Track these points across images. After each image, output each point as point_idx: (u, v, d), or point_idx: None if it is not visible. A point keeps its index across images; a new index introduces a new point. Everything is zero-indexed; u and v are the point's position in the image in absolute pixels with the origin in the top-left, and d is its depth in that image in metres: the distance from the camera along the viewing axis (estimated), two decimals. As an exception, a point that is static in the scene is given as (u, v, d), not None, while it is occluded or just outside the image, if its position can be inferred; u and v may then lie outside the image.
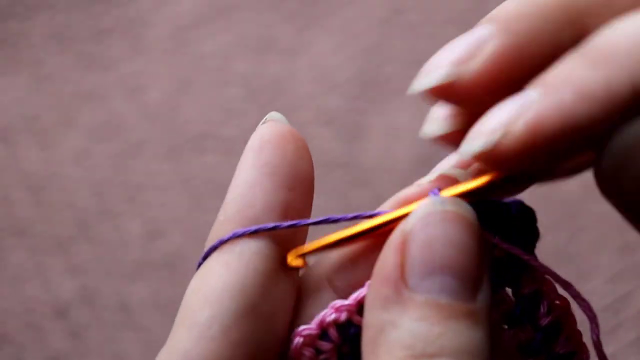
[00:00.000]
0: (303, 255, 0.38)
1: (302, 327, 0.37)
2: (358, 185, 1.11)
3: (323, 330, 0.37)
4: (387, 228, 0.37)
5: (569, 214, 1.02)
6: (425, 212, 0.35)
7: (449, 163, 0.38)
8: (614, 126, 0.32)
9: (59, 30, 1.28)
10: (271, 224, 0.37)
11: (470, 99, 0.35)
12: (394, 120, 1.16)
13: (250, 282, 0.36)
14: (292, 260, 0.38)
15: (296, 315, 0.38)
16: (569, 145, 0.33)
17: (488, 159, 0.34)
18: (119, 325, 1.08)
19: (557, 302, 0.37)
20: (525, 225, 0.37)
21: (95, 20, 1.28)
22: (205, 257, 0.37)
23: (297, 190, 0.38)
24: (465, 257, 0.34)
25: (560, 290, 0.38)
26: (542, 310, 0.37)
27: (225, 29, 1.26)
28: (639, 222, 0.33)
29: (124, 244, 1.13)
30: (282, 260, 0.38)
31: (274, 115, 0.40)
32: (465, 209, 0.35)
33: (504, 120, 0.33)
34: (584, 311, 0.37)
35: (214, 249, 0.37)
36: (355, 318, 0.36)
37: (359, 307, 0.36)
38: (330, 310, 0.37)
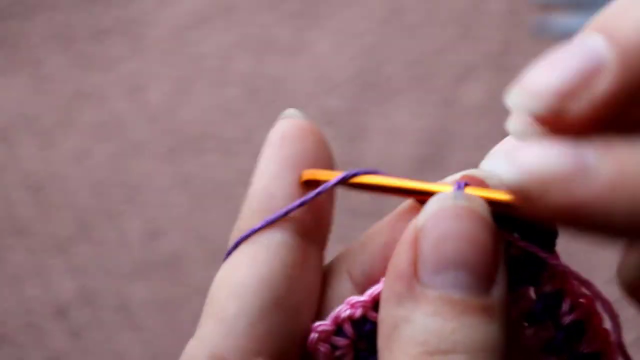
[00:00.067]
0: (316, 181, 0.38)
1: (317, 323, 0.37)
2: (358, 185, 1.11)
3: (338, 326, 0.37)
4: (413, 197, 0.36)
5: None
6: (437, 207, 0.35)
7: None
8: None
9: (59, 30, 1.28)
10: (299, 201, 0.37)
11: (570, 131, 0.32)
12: (394, 120, 1.17)
13: (277, 274, 0.36)
14: (307, 176, 0.38)
15: (320, 308, 0.38)
16: None
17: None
18: (119, 325, 1.08)
19: (581, 300, 0.37)
20: (543, 223, 0.37)
21: (95, 20, 1.28)
22: (234, 247, 0.37)
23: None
24: (477, 252, 0.34)
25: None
26: (563, 308, 0.37)
27: (225, 29, 1.26)
28: None
29: (124, 244, 1.12)
30: (305, 232, 0.38)
31: (291, 111, 0.40)
32: (478, 203, 0.35)
33: None
34: (605, 311, 0.37)
35: (244, 239, 0.37)
36: (371, 314, 0.37)
37: (375, 303, 0.36)
38: (345, 306, 0.37)
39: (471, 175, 0.37)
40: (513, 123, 0.35)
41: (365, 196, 1.09)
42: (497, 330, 0.34)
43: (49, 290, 1.10)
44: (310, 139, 0.39)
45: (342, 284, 0.38)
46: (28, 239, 1.13)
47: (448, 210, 0.35)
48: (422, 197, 0.36)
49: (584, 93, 0.31)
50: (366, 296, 0.36)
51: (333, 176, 0.38)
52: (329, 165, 0.39)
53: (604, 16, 0.32)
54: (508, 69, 1.17)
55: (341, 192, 0.39)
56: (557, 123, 0.32)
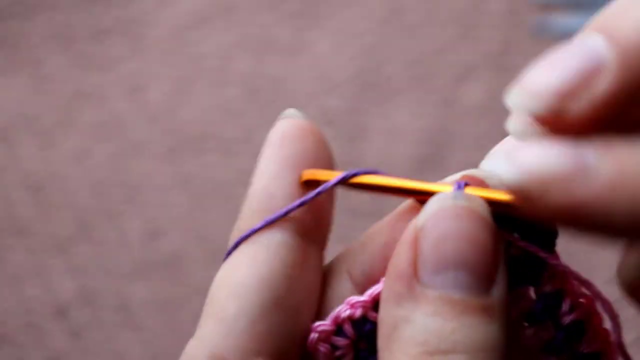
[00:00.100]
0: (316, 181, 0.38)
1: (317, 323, 0.37)
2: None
3: (338, 326, 0.37)
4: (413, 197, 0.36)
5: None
6: (437, 207, 0.35)
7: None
8: None
9: (59, 30, 1.28)
10: (299, 201, 0.37)
11: (570, 131, 0.32)
12: (394, 120, 1.16)
13: (277, 274, 0.36)
14: (307, 176, 0.38)
15: (320, 308, 0.38)
16: None
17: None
18: (119, 325, 1.08)
19: (582, 300, 0.37)
20: (543, 223, 0.37)
21: (95, 20, 1.28)
22: (234, 247, 0.37)
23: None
24: (477, 252, 0.34)
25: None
26: (563, 308, 0.37)
27: (225, 29, 1.26)
28: None
29: (124, 244, 1.12)
30: (306, 232, 0.38)
31: (291, 111, 0.40)
32: (478, 203, 0.35)
33: None
34: (605, 311, 0.37)
35: (244, 239, 0.37)
36: (371, 314, 0.37)
37: (375, 303, 0.36)
38: (345, 306, 0.37)
39: (471, 175, 0.37)
40: (513, 123, 0.34)
41: (365, 196, 1.09)
42: (497, 330, 0.34)
43: (49, 290, 1.10)
44: (310, 139, 0.39)
45: (342, 284, 0.38)
46: (28, 239, 1.13)
47: (448, 210, 0.35)
48: (422, 197, 0.36)
49: (584, 93, 0.31)
50: (366, 296, 0.36)
51: (333, 176, 0.38)
52: (329, 165, 0.39)
53: (604, 16, 0.32)
54: (508, 69, 1.17)
55: (341, 192, 0.39)
56: (557, 123, 0.32)
